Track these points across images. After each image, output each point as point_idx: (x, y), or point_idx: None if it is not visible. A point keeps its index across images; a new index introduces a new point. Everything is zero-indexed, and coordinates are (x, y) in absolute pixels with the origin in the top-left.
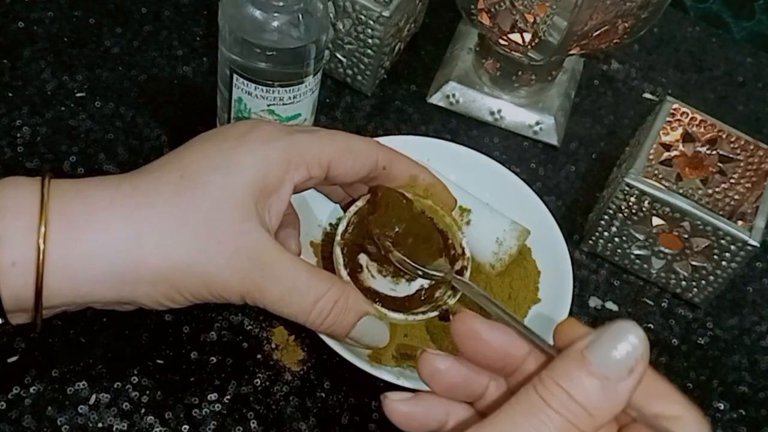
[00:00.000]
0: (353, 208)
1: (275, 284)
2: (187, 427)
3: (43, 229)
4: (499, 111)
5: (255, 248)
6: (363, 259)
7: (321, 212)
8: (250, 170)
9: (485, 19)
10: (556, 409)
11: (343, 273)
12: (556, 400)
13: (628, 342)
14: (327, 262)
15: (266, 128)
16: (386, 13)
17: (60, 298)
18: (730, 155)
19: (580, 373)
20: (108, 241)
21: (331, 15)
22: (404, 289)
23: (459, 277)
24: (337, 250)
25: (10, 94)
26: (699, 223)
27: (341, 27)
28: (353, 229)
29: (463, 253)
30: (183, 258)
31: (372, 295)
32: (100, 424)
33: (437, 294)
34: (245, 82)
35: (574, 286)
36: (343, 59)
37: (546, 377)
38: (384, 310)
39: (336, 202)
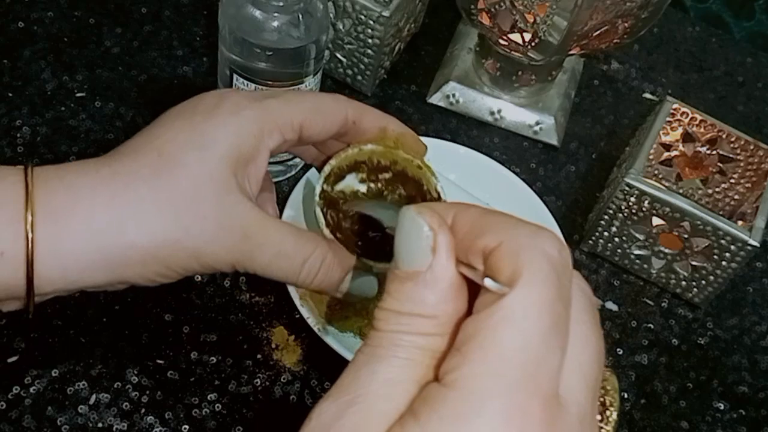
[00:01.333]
0: (327, 168)
1: (263, 251)
2: (187, 427)
3: (30, 217)
4: (499, 111)
5: (239, 219)
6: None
7: None
8: (225, 143)
9: (485, 19)
10: (400, 334)
11: (326, 232)
12: (394, 325)
13: (411, 225)
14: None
15: (234, 98)
16: (386, 13)
17: (51, 286)
18: (730, 155)
19: (398, 286)
20: (93, 228)
21: (331, 15)
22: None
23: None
24: (318, 210)
25: (10, 94)
26: (699, 223)
27: (341, 27)
28: (330, 187)
29: (439, 197)
30: (169, 236)
31: (356, 247)
32: (100, 424)
33: None
34: (245, 82)
35: None
36: (343, 59)
37: (377, 311)
38: (370, 261)
39: (309, 163)
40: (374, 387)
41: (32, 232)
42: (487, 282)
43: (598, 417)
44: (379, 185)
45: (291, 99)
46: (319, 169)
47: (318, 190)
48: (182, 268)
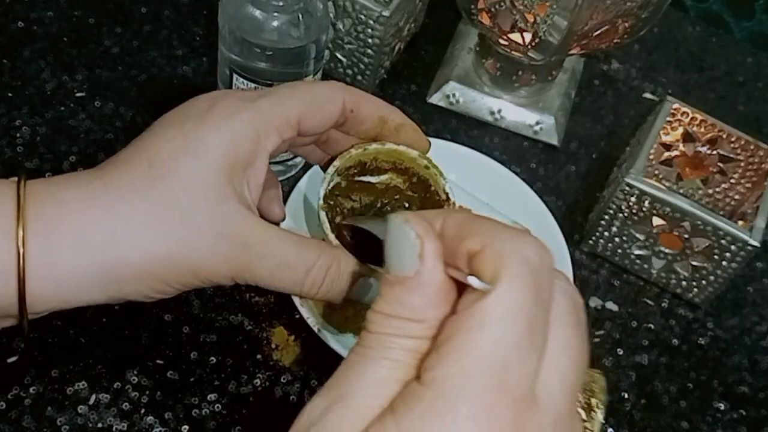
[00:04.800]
0: (331, 170)
1: (263, 262)
2: (187, 427)
3: (21, 233)
4: (499, 111)
5: (237, 230)
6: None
7: None
8: (218, 150)
9: (485, 19)
10: (390, 336)
11: (331, 237)
12: (384, 328)
13: (399, 232)
14: None
15: (227, 101)
16: (386, 13)
17: (45, 304)
18: (731, 155)
19: (388, 290)
20: (86, 244)
21: (331, 15)
22: None
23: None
24: (322, 215)
25: (10, 94)
26: (699, 223)
27: (341, 27)
28: (335, 191)
29: (448, 198)
30: (164, 251)
31: (361, 252)
32: (100, 424)
33: None
34: (245, 82)
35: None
36: (343, 59)
37: (369, 313)
38: (379, 269)
39: (314, 163)
40: (361, 385)
41: (23, 247)
42: (470, 279)
43: (583, 417)
44: (386, 185)
45: (285, 95)
46: (324, 169)
47: (322, 193)
48: (180, 284)
